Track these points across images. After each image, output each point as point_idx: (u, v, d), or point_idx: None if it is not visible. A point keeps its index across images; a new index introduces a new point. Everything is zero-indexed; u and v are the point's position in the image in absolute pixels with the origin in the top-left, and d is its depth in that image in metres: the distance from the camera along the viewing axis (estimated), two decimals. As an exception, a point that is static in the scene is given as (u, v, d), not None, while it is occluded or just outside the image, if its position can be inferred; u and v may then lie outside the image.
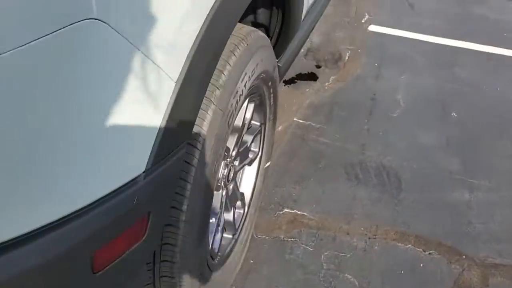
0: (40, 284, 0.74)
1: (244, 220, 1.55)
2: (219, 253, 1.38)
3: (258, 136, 1.55)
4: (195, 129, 0.98)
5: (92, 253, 0.80)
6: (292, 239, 1.66)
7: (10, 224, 0.69)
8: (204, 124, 0.99)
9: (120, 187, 0.80)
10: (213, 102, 1.01)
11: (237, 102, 1.13)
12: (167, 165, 0.89)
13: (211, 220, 1.26)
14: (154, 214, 0.91)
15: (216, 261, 1.34)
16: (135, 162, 0.83)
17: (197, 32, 0.88)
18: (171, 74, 0.84)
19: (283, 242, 1.65)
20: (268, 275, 1.54)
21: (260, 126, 1.53)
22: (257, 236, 1.66)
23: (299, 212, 1.74)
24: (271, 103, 1.52)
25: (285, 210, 1.76)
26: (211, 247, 1.31)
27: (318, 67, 2.63)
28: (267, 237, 1.66)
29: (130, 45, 0.74)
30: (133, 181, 0.82)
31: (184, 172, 0.98)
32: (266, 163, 1.64)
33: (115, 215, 0.80)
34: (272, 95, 1.50)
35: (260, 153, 1.59)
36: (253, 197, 1.61)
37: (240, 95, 1.14)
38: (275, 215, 1.74)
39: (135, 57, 0.76)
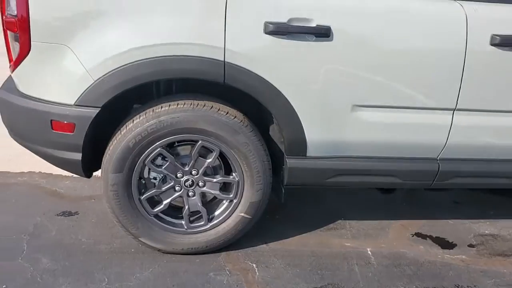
0: None
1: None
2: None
3: (233, 185, 2.26)
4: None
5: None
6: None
7: None
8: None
9: (59, 102, 2.08)
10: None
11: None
12: (86, 110, 2.04)
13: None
14: (77, 125, 2.06)
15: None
16: (71, 96, 2.03)
17: None
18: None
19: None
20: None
21: (237, 181, 2.24)
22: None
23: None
24: (246, 170, 2.20)
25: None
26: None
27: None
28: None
29: None
30: (67, 104, 2.05)
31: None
32: (243, 213, 2.29)
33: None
34: (245, 165, 2.19)
35: (233, 199, 2.28)
36: (218, 223, 2.32)
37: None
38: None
39: None
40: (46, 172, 3.13)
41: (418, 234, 2.70)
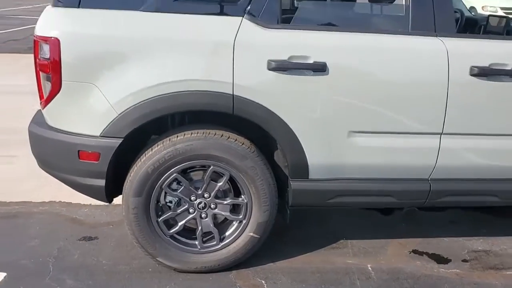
0: None
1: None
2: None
3: (242, 207, 2.49)
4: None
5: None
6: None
7: None
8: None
9: (86, 134, 2.33)
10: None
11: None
12: (110, 140, 2.29)
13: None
14: (102, 154, 2.30)
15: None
16: (97, 128, 2.27)
17: None
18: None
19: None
20: None
21: (246, 203, 2.47)
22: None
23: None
24: (254, 192, 2.42)
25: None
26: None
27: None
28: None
29: None
30: (93, 136, 2.29)
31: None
32: (252, 233, 2.51)
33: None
34: (253, 188, 2.41)
35: (243, 220, 2.50)
36: (229, 242, 2.52)
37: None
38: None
39: None
40: (65, 201, 3.35)
41: (415, 251, 2.88)
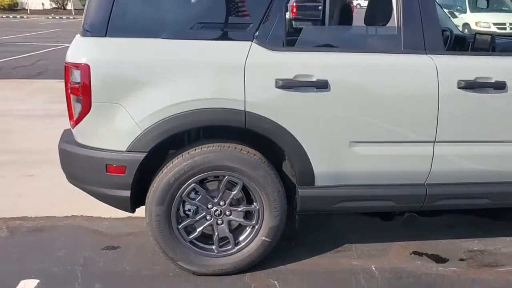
0: None
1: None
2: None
3: (255, 213, 2.73)
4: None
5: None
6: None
7: None
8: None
9: (113, 149, 2.58)
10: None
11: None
12: (135, 155, 2.55)
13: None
14: (128, 167, 2.55)
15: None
16: (124, 144, 2.53)
17: None
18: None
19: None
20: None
21: (258, 209, 2.71)
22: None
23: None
24: (265, 199, 2.67)
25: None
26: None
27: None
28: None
29: None
30: (120, 151, 2.55)
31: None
32: (264, 237, 2.74)
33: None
34: (264, 195, 2.67)
35: (255, 225, 2.74)
36: (243, 246, 2.75)
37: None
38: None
39: None
40: (87, 215, 3.57)
41: (415, 252, 3.10)
